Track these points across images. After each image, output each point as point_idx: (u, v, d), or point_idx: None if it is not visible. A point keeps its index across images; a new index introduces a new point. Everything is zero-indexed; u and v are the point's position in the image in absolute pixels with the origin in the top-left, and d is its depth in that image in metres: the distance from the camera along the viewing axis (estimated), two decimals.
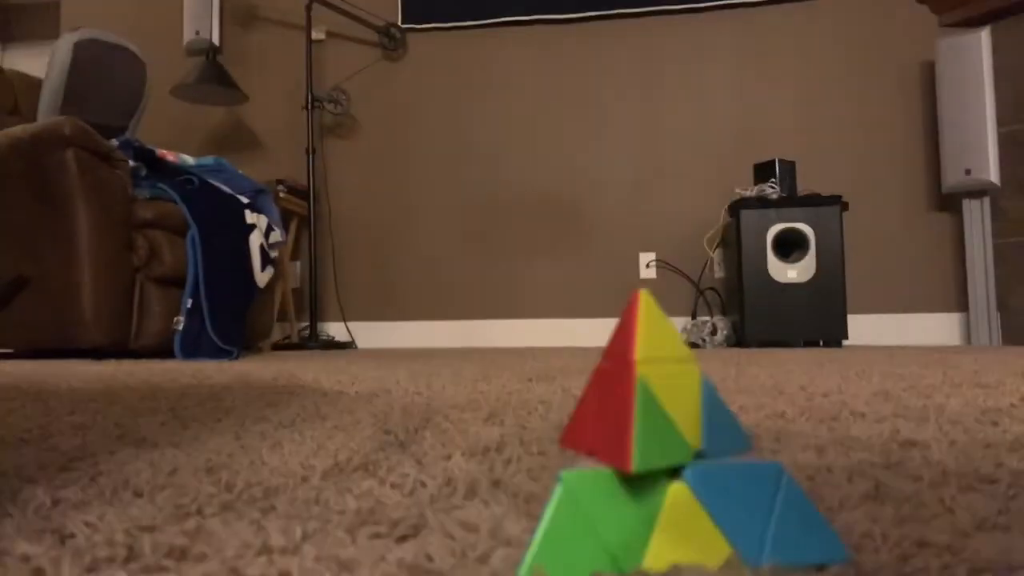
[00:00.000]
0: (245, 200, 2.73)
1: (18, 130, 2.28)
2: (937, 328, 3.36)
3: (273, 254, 2.85)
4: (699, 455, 0.29)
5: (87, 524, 0.35)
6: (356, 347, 3.73)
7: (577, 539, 0.27)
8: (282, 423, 0.73)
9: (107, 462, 0.52)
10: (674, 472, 0.28)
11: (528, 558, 0.26)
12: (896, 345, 3.19)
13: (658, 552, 0.27)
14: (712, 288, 3.51)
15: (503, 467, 0.48)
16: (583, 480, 0.27)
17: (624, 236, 3.63)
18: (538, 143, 3.74)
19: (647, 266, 3.58)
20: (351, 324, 3.79)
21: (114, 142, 2.47)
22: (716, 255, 3.51)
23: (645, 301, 0.29)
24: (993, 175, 3.04)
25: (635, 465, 0.27)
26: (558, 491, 0.27)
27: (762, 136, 3.56)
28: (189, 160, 2.78)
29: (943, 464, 0.48)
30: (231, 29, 4.06)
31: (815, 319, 2.92)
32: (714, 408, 0.29)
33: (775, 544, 0.28)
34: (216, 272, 2.50)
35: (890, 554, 0.30)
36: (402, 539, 0.32)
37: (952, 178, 3.13)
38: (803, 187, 3.44)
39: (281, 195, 3.38)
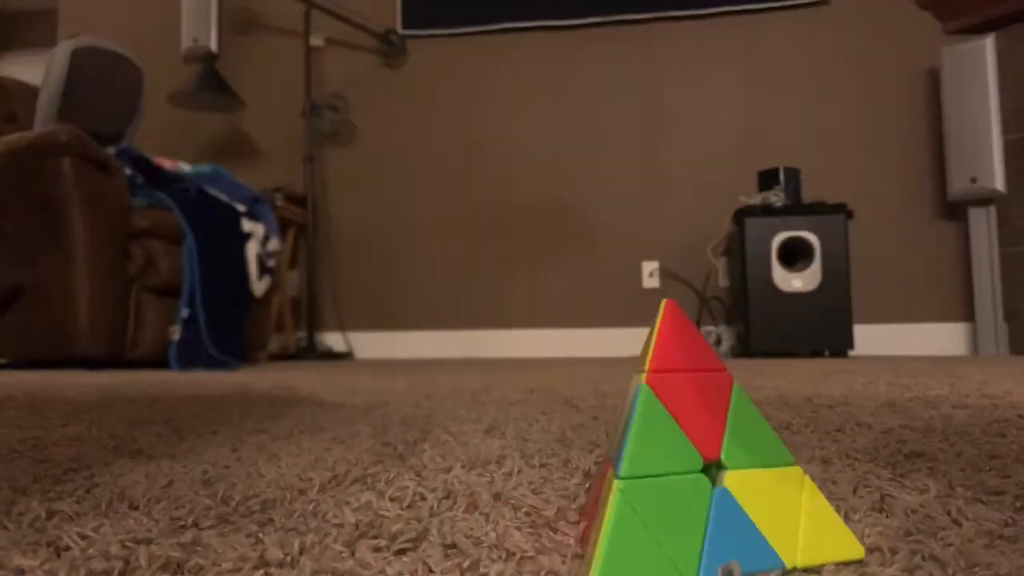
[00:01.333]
0: (242, 208, 2.73)
1: (15, 138, 2.28)
2: (944, 338, 3.35)
3: (270, 263, 2.85)
4: (720, 466, 0.29)
5: (82, 537, 0.35)
6: (354, 358, 3.73)
7: (642, 547, 0.27)
8: (279, 435, 0.72)
9: (102, 474, 0.51)
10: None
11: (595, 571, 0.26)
12: (902, 355, 3.19)
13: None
14: (716, 297, 3.50)
15: (504, 480, 0.48)
16: (639, 488, 0.28)
17: (627, 245, 3.63)
18: (539, 151, 3.74)
19: (650, 275, 3.58)
20: (349, 334, 3.79)
21: (111, 150, 2.48)
22: (720, 264, 3.51)
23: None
24: (999, 183, 3.04)
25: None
26: (617, 499, 0.28)
27: (766, 144, 3.57)
28: (186, 168, 2.78)
29: (949, 476, 0.47)
30: (229, 36, 4.07)
31: (820, 329, 2.91)
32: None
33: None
34: (212, 282, 2.50)
35: (897, 567, 0.29)
36: (401, 552, 0.32)
37: (958, 186, 3.14)
38: (808, 195, 3.44)
39: (279, 203, 3.38)
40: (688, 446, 0.29)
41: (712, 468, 0.29)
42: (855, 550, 0.29)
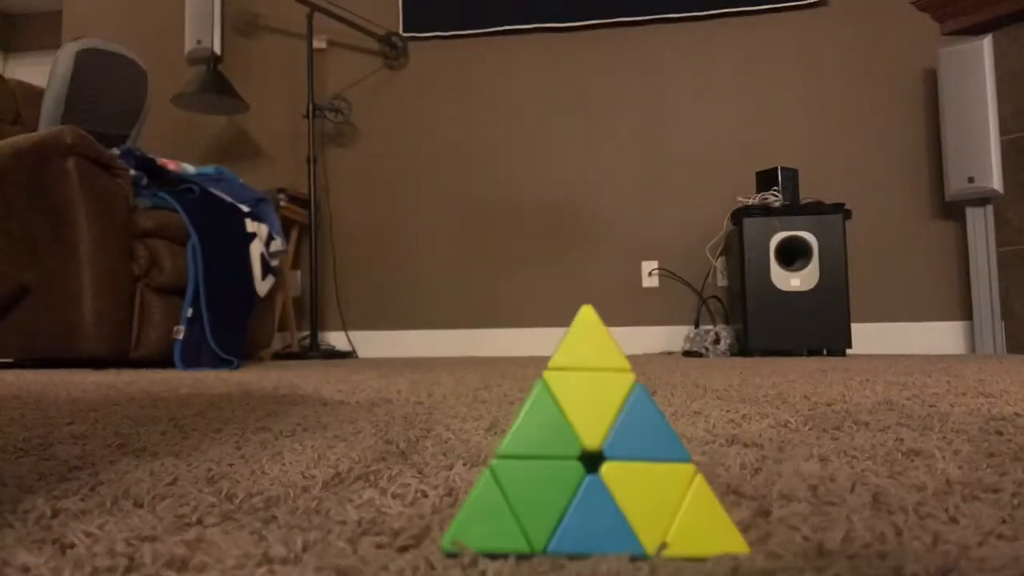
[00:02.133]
0: (246, 209, 2.74)
1: (20, 139, 2.29)
2: (941, 337, 3.35)
3: (274, 263, 2.86)
4: (599, 454, 0.32)
5: (87, 534, 0.35)
6: (357, 356, 3.73)
7: (496, 516, 0.31)
8: (283, 433, 0.73)
9: (107, 472, 0.52)
10: (592, 467, 0.31)
11: (450, 530, 0.31)
12: (900, 354, 3.19)
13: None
14: (715, 297, 3.51)
15: None
16: (509, 467, 0.31)
17: (626, 244, 3.63)
18: (540, 152, 3.75)
19: (649, 274, 3.58)
20: (352, 333, 3.79)
21: (115, 151, 2.48)
22: (719, 263, 3.51)
23: (583, 315, 0.33)
24: (996, 183, 3.04)
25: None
26: (485, 473, 0.31)
27: (765, 144, 3.57)
28: (190, 169, 2.79)
29: (947, 473, 0.48)
30: (232, 38, 4.08)
31: (818, 328, 2.91)
32: (637, 416, 0.32)
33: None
34: (216, 281, 2.51)
35: (892, 564, 0.30)
36: (403, 549, 0.32)
37: (955, 186, 3.14)
38: (806, 195, 3.45)
39: (282, 204, 3.38)
40: (569, 434, 0.32)
41: (599, 460, 0.32)
42: (738, 546, 0.30)
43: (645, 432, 0.31)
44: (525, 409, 0.32)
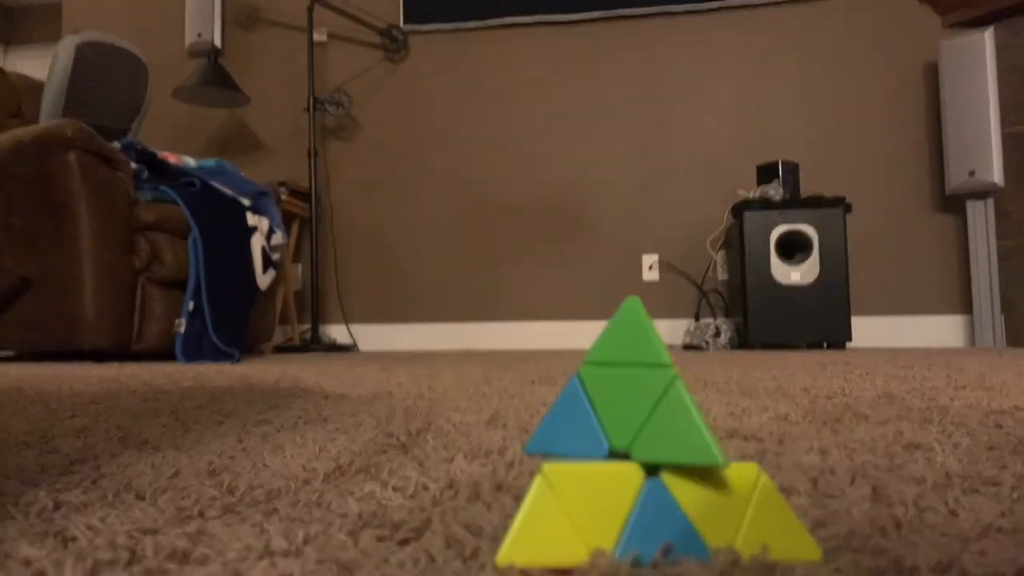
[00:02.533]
0: (247, 202, 2.74)
1: (21, 132, 2.29)
2: (941, 330, 3.35)
3: (275, 256, 2.86)
4: (623, 455, 0.30)
5: (89, 527, 0.35)
6: (358, 349, 3.73)
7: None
8: (284, 426, 0.73)
9: (109, 465, 0.52)
10: (653, 470, 0.30)
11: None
12: (900, 347, 3.19)
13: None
14: (715, 290, 3.50)
15: (505, 470, 0.48)
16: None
17: (627, 238, 3.63)
18: (540, 145, 3.74)
19: (650, 268, 3.58)
20: (353, 326, 3.79)
21: (116, 144, 2.48)
22: (719, 257, 3.51)
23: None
24: (997, 176, 3.04)
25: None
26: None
27: (765, 137, 3.56)
28: (191, 162, 2.78)
29: (946, 467, 0.48)
30: (233, 31, 4.07)
31: (819, 321, 2.91)
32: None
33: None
34: (217, 274, 2.51)
35: (892, 557, 0.30)
36: (404, 542, 0.32)
37: (956, 179, 3.14)
38: (806, 189, 3.44)
39: (283, 197, 3.38)
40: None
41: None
42: (810, 551, 0.29)
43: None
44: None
